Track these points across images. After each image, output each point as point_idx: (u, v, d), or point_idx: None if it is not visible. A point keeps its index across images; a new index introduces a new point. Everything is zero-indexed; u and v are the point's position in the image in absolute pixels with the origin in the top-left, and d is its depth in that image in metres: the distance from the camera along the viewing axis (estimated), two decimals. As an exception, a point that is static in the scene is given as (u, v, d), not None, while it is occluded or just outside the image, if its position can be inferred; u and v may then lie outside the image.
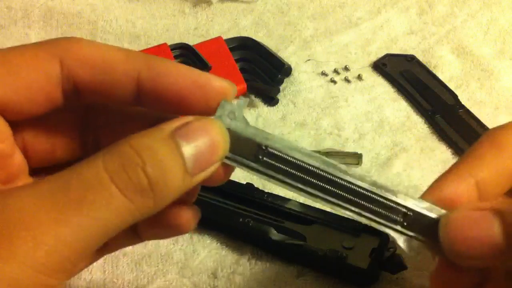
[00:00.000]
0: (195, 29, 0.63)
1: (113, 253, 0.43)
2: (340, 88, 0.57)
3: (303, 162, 0.27)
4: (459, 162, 0.30)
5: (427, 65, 0.59)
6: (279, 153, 0.27)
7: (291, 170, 0.27)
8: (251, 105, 0.55)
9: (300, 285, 0.42)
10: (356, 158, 0.50)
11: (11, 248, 0.22)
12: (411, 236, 0.28)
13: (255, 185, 0.46)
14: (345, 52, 0.61)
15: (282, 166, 0.27)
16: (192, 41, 0.58)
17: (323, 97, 0.56)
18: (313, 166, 0.27)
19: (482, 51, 0.61)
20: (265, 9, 0.65)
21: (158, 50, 0.56)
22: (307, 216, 0.44)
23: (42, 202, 0.22)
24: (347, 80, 0.58)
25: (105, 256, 0.43)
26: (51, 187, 0.23)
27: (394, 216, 0.28)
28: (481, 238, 0.26)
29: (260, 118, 0.54)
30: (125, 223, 0.24)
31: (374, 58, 0.60)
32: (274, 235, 0.42)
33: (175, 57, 0.56)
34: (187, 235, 0.45)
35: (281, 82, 0.56)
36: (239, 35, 0.60)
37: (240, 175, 0.49)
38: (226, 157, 0.27)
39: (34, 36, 0.61)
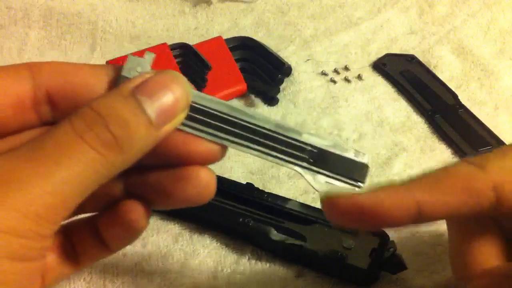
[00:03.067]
0: (195, 29, 0.63)
1: (113, 253, 0.43)
2: (340, 88, 0.57)
3: (210, 108, 0.29)
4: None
5: (427, 65, 0.59)
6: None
7: (200, 117, 0.29)
8: (251, 105, 0.55)
9: (300, 285, 0.42)
10: (356, 158, 0.50)
11: (3, 198, 0.23)
12: (316, 171, 0.30)
13: (255, 185, 0.46)
14: (345, 52, 0.61)
15: (192, 114, 0.29)
16: (192, 41, 0.58)
17: (323, 97, 0.56)
18: (220, 112, 0.29)
19: (482, 51, 0.61)
20: (265, 9, 0.65)
21: (158, 50, 0.56)
22: (307, 216, 0.44)
23: (25, 159, 0.25)
24: (347, 80, 0.58)
25: (105, 256, 0.43)
26: (29, 148, 0.25)
27: (300, 154, 0.30)
28: None
29: (260, 118, 0.54)
30: (101, 175, 0.26)
31: (374, 58, 0.60)
32: (274, 235, 0.42)
33: (175, 57, 0.56)
34: (187, 235, 0.45)
35: (281, 82, 0.56)
36: (239, 35, 0.60)
37: (240, 175, 0.49)
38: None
39: (34, 36, 0.61)
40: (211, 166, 0.30)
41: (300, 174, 0.30)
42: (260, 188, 0.46)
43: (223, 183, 0.46)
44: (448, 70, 0.59)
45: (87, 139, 0.25)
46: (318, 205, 0.46)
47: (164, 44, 0.56)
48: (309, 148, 0.30)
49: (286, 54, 0.60)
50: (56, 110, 0.29)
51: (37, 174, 0.24)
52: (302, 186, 0.48)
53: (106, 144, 0.25)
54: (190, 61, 0.56)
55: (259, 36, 0.61)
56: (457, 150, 0.51)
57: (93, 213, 0.32)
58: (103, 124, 0.25)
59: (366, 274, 0.41)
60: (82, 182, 0.25)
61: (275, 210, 0.45)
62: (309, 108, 0.55)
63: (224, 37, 0.59)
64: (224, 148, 0.30)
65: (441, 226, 0.46)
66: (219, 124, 0.29)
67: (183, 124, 0.29)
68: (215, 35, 0.60)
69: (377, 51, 0.61)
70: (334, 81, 0.58)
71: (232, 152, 0.51)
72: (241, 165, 0.50)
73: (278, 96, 0.56)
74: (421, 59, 0.60)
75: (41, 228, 0.25)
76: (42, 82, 0.28)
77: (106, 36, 0.62)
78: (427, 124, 0.54)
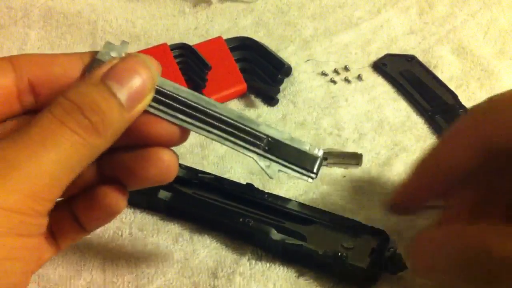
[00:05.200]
0: (195, 29, 0.63)
1: (113, 253, 0.43)
2: (340, 88, 0.57)
3: (176, 94, 0.31)
4: None
5: (427, 65, 0.59)
6: (157, 87, 0.31)
7: (165, 100, 0.31)
8: (251, 105, 0.55)
9: (301, 285, 0.42)
10: (356, 158, 0.50)
11: (3, 180, 0.25)
12: (270, 159, 0.32)
13: (255, 185, 0.46)
14: (345, 52, 0.61)
15: (158, 97, 0.31)
16: (192, 41, 0.58)
17: (323, 97, 0.56)
18: (185, 98, 0.31)
19: (482, 51, 0.61)
20: (265, 9, 0.65)
21: (158, 50, 0.56)
22: (307, 216, 0.44)
23: (14, 146, 0.26)
24: (347, 80, 0.58)
25: (105, 256, 0.43)
26: (16, 137, 0.27)
27: (256, 141, 0.32)
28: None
29: (260, 118, 0.54)
30: (84, 156, 0.28)
31: (374, 58, 0.60)
32: (274, 235, 0.42)
33: (175, 57, 0.56)
34: (187, 235, 0.45)
35: (281, 82, 0.56)
36: (239, 35, 0.60)
37: (240, 175, 0.49)
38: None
39: (34, 36, 0.61)
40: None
41: (255, 160, 0.32)
42: (260, 188, 0.46)
43: (223, 183, 0.46)
44: (448, 70, 0.59)
45: (67, 124, 0.27)
46: (318, 205, 0.46)
47: (164, 44, 0.56)
48: (266, 138, 0.32)
49: (286, 54, 0.60)
50: (39, 99, 0.31)
51: (28, 157, 0.26)
52: (302, 186, 0.48)
53: (84, 128, 0.27)
54: (190, 61, 0.56)
55: (259, 36, 0.61)
56: (457, 150, 0.51)
57: (68, 197, 0.33)
58: (79, 111, 0.27)
59: (366, 274, 0.41)
60: (69, 162, 0.27)
61: (275, 210, 0.45)
62: (309, 108, 0.55)
63: (224, 37, 0.59)
64: (185, 131, 0.32)
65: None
66: (182, 107, 0.31)
67: (150, 106, 0.30)
68: (215, 35, 0.60)
69: (377, 51, 0.61)
70: (334, 81, 0.58)
71: (232, 152, 0.51)
72: (241, 165, 0.50)
73: (278, 96, 0.56)
74: (421, 59, 0.60)
75: (39, 205, 0.27)
76: (23, 74, 0.30)
77: (106, 36, 0.62)
78: (427, 124, 0.54)
